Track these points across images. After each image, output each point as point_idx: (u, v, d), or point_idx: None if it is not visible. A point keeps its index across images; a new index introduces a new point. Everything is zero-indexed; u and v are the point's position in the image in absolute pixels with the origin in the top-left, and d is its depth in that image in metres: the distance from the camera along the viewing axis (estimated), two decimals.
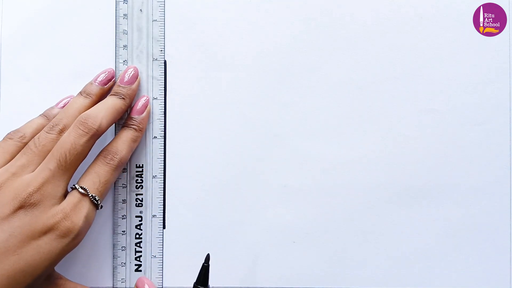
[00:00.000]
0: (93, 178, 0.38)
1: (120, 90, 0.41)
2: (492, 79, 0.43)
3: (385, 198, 0.43)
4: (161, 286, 0.42)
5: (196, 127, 0.43)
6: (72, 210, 0.36)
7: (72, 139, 0.37)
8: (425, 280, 0.43)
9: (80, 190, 0.37)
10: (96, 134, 0.38)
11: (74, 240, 0.36)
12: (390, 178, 0.43)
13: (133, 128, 0.41)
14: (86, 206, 0.37)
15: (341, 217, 0.43)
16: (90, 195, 0.37)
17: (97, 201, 0.38)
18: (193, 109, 0.43)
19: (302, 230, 0.43)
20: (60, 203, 0.37)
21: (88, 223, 0.37)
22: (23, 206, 0.36)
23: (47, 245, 0.36)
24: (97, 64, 0.42)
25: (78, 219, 0.36)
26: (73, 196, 0.37)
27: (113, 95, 0.41)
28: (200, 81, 0.43)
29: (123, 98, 0.41)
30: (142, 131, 0.42)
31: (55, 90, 0.42)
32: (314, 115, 0.43)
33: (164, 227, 0.42)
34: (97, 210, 0.38)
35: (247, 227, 0.43)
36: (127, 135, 0.40)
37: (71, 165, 0.37)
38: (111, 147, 0.40)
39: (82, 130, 0.38)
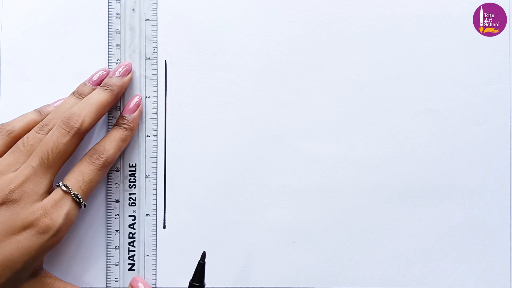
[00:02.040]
0: (77, 177, 0.38)
1: (109, 81, 0.41)
2: (492, 79, 0.43)
3: (385, 198, 0.43)
4: (154, 286, 0.42)
5: (196, 127, 0.43)
6: (53, 207, 0.37)
7: (54, 137, 0.38)
8: (425, 280, 0.43)
9: (63, 188, 0.38)
10: (79, 133, 0.38)
11: (54, 237, 0.36)
12: (390, 178, 0.43)
13: (123, 127, 0.41)
14: (67, 204, 0.37)
15: (341, 217, 0.43)
16: (72, 193, 0.38)
17: (79, 199, 0.38)
18: (193, 109, 0.43)
19: (302, 230, 0.43)
20: (42, 200, 0.37)
21: (69, 221, 0.37)
22: (5, 202, 0.36)
23: (26, 240, 0.36)
24: (93, 64, 0.42)
25: (58, 216, 0.37)
26: (56, 194, 0.37)
27: (101, 87, 0.40)
28: (200, 81, 0.43)
29: (111, 90, 0.40)
30: (133, 131, 0.41)
31: (54, 90, 0.42)
32: (314, 115, 0.43)
33: (164, 227, 0.42)
34: (84, 209, 0.39)
35: (247, 227, 0.43)
36: (116, 134, 0.41)
37: (54, 163, 0.37)
38: (98, 146, 0.40)
39: (64, 129, 0.38)
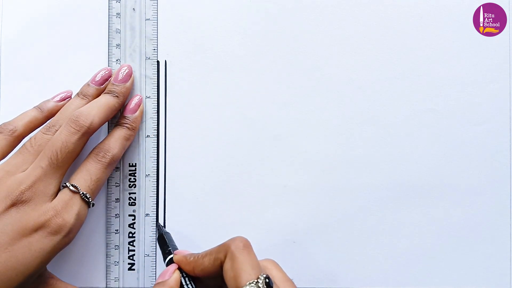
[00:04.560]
0: (84, 176, 0.38)
1: (114, 88, 0.41)
2: (492, 79, 0.43)
3: (385, 198, 0.43)
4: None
5: (195, 127, 0.43)
6: (63, 208, 0.37)
7: (63, 137, 0.37)
8: (425, 280, 0.43)
9: (71, 188, 0.37)
10: (88, 132, 0.38)
11: (65, 237, 0.36)
12: (390, 178, 0.43)
13: (126, 127, 0.41)
14: (77, 203, 0.37)
15: (341, 217, 0.43)
16: (81, 192, 0.38)
17: (88, 198, 0.38)
18: (192, 109, 0.43)
19: (302, 230, 0.43)
20: (51, 200, 0.37)
21: (79, 221, 0.37)
22: (15, 203, 0.36)
23: (38, 242, 0.36)
24: (93, 64, 0.42)
25: (69, 216, 0.37)
26: (64, 194, 0.37)
27: (107, 93, 0.41)
28: (200, 81, 0.43)
29: (117, 96, 0.40)
30: (135, 130, 0.42)
31: (54, 90, 0.42)
32: (314, 115, 0.43)
33: (164, 227, 0.42)
34: (90, 208, 0.38)
35: (247, 227, 0.43)
36: (120, 133, 0.40)
37: (63, 163, 0.37)
38: (103, 144, 0.40)
39: (74, 128, 0.38)
